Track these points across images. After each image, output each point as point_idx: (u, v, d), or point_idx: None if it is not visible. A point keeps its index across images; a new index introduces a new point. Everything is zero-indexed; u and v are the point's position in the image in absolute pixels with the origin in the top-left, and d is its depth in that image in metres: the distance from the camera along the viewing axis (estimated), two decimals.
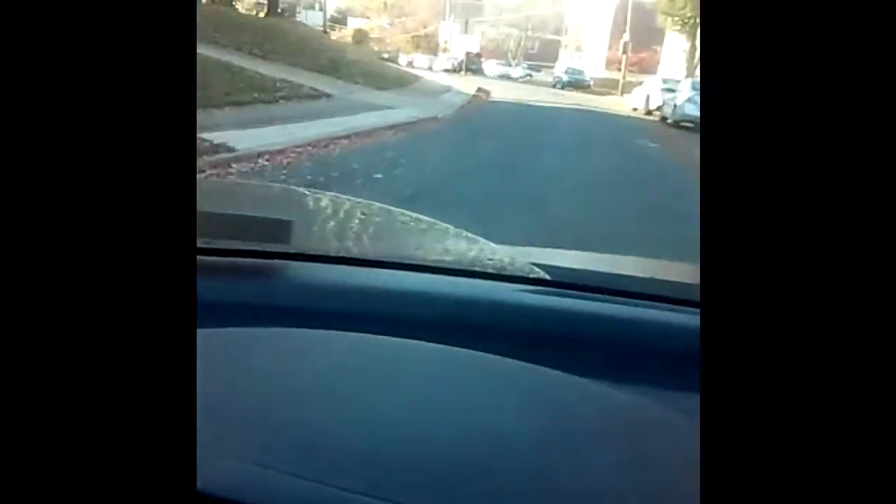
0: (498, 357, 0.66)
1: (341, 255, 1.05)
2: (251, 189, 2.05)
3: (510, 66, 47.57)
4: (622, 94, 30.44)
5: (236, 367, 0.61)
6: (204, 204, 0.70)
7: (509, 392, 0.62)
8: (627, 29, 30.48)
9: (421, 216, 1.24)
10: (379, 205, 1.30)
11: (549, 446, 0.54)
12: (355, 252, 1.10)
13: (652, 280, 1.18)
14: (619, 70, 38.29)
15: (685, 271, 1.26)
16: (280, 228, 1.03)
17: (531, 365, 0.65)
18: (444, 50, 53.50)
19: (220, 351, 0.59)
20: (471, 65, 41.26)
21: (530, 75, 46.17)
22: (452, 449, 0.52)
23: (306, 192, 1.59)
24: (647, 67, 37.62)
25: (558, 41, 57.34)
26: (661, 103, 18.60)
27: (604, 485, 0.50)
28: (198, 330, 0.44)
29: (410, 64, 50.30)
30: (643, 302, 0.98)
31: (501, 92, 23.87)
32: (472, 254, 1.16)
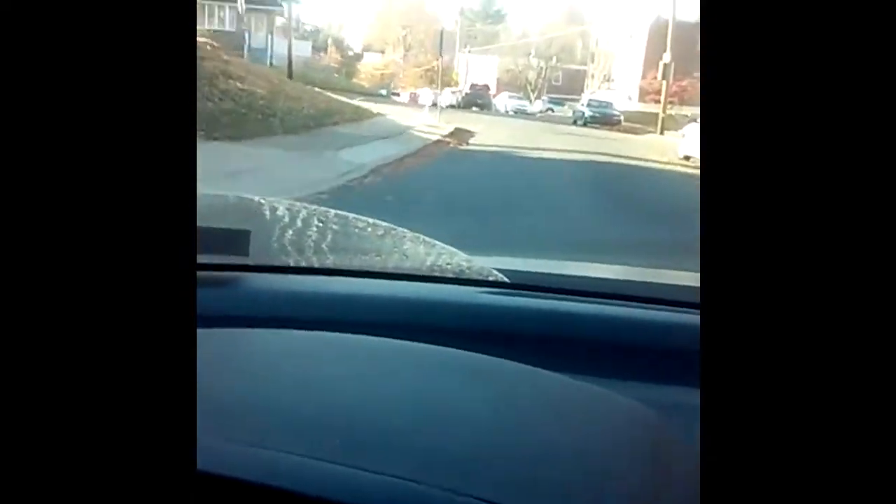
0: (464, 352, 0.70)
1: (301, 264, 1.09)
2: (205, 199, 1.66)
3: (526, 99, 40.69)
4: (662, 131, 23.32)
5: (226, 363, 0.65)
6: None
7: (476, 383, 0.66)
8: (668, 47, 23.41)
9: (378, 222, 1.22)
10: (335, 212, 1.28)
11: (515, 430, 0.59)
12: (314, 261, 1.14)
13: (608, 280, 1.25)
14: (657, 102, 31.21)
15: (646, 273, 1.45)
16: (238, 239, 1.00)
17: (495, 358, 0.69)
18: (455, 83, 47.25)
19: (209, 349, 0.60)
20: (477, 98, 34.49)
21: (551, 109, 39.32)
22: (423, 427, 0.57)
23: (262, 202, 1.35)
24: (689, 99, 30.38)
25: (585, 71, 50.54)
26: None
27: (562, 465, 0.54)
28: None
29: (414, 99, 44.05)
30: (600, 300, 1.03)
31: (497, 133, 16.92)
32: (430, 258, 1.19)
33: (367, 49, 69.63)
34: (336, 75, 42.86)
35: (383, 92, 43.47)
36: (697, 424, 0.51)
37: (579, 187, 8.70)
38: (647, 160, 13.59)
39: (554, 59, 49.98)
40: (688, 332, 0.80)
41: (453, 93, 37.98)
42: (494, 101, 39.90)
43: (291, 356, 0.69)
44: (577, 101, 36.68)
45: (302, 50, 40.62)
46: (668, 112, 23.92)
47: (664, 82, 23.75)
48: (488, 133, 16.63)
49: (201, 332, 0.59)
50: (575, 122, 27.29)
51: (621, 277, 1.35)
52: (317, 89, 17.06)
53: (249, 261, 1.00)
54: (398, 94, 45.51)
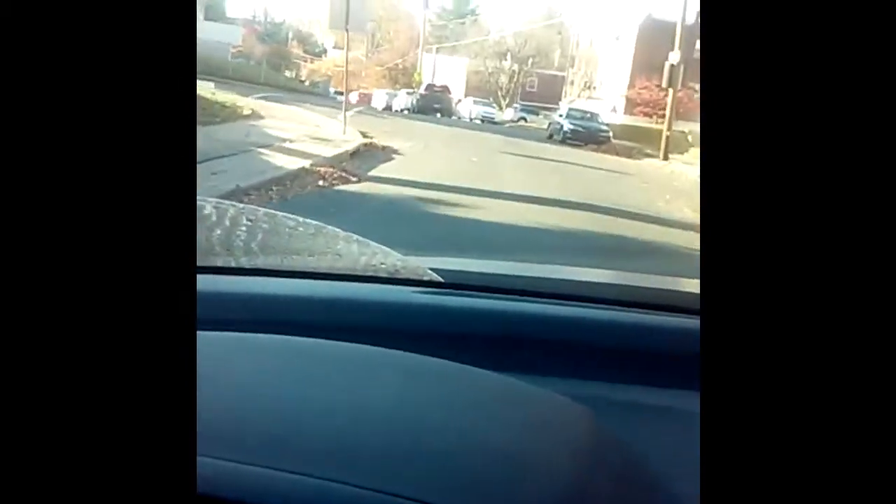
0: (399, 352, 0.70)
1: (230, 264, 1.06)
2: None
3: (495, 105, 34.92)
4: (666, 155, 17.79)
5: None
6: None
7: (410, 382, 0.67)
8: (677, 45, 17.86)
9: (308, 220, 1.21)
10: (264, 210, 1.24)
11: (448, 429, 0.59)
12: (243, 261, 1.11)
13: (542, 279, 1.23)
14: (647, 115, 25.78)
15: (585, 273, 1.41)
16: None
17: (429, 357, 0.69)
18: (418, 84, 41.60)
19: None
20: (433, 102, 28.69)
21: (524, 119, 33.86)
22: (357, 428, 0.57)
23: None
24: (683, 113, 25.06)
25: (563, 77, 45.05)
26: None
27: (495, 462, 0.55)
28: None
29: (365, 100, 38.28)
30: (536, 300, 1.03)
31: (438, 153, 11.28)
32: (364, 258, 1.16)
33: (336, 46, 65.19)
34: (271, 69, 36.91)
35: (330, 91, 37.74)
36: (637, 420, 0.67)
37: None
38: (675, 222, 7.82)
39: (529, 61, 44.41)
40: (626, 331, 0.95)
41: (409, 94, 32.21)
42: (458, 106, 34.25)
43: (221, 359, 0.67)
44: (554, 110, 31.17)
45: (226, 35, 34.72)
46: (673, 129, 18.30)
47: (670, 92, 18.12)
48: (422, 154, 10.86)
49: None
50: (551, 137, 21.60)
51: (560, 277, 1.30)
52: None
53: None
54: (341, 94, 39.85)
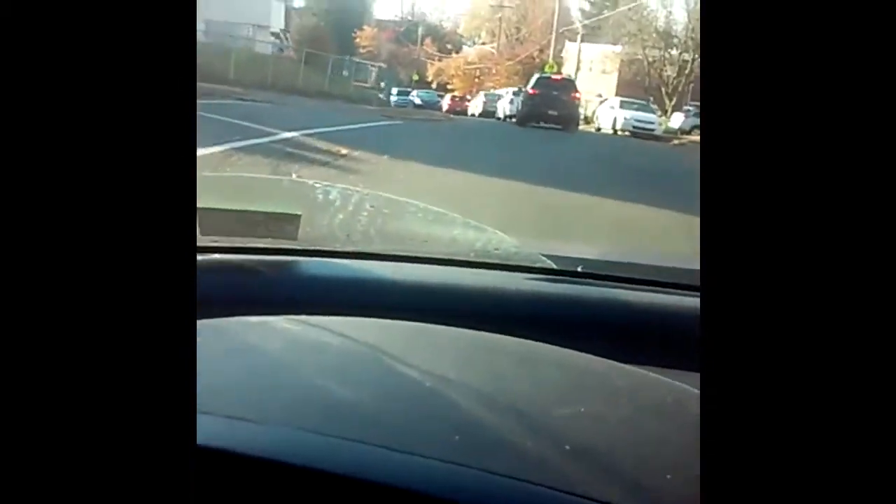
0: (508, 337, 0.70)
1: (348, 248, 1.09)
2: (260, 182, 1.94)
3: (652, 109, 22.70)
4: None
5: (231, 350, 0.64)
6: (211, 199, 0.88)
7: (519, 368, 0.67)
8: None
9: (429, 207, 1.26)
10: (388, 195, 1.30)
11: (560, 416, 0.58)
12: (363, 245, 1.15)
13: (653, 267, 1.25)
14: None
15: (688, 258, 1.42)
16: (288, 222, 1.04)
17: (540, 343, 0.69)
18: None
19: (216, 338, 0.62)
20: (546, 107, 17.13)
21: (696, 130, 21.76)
22: (461, 409, 0.56)
23: (315, 185, 1.39)
24: None
25: None
26: None
27: (615, 452, 0.53)
28: (198, 320, 0.47)
29: (457, 106, 27.47)
30: (646, 287, 1.04)
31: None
32: (479, 244, 1.21)
33: (465, 41, 55.81)
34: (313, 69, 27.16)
35: (395, 94, 27.49)
36: None
37: None
38: None
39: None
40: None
41: (516, 94, 20.99)
42: (599, 110, 22.71)
43: (333, 340, 0.69)
44: None
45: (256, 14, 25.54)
46: None
47: None
48: None
49: (249, 318, 0.65)
50: None
51: (673, 266, 1.30)
52: None
53: (298, 245, 1.02)
54: (441, 97, 29.19)
